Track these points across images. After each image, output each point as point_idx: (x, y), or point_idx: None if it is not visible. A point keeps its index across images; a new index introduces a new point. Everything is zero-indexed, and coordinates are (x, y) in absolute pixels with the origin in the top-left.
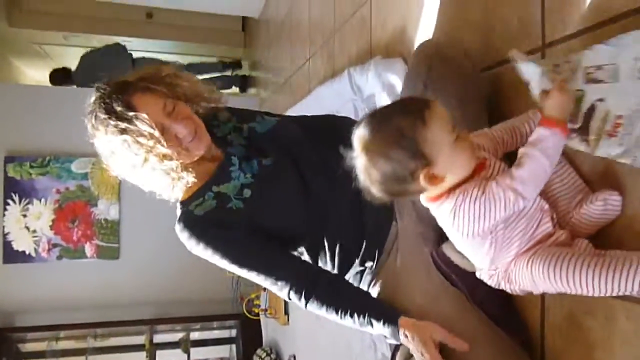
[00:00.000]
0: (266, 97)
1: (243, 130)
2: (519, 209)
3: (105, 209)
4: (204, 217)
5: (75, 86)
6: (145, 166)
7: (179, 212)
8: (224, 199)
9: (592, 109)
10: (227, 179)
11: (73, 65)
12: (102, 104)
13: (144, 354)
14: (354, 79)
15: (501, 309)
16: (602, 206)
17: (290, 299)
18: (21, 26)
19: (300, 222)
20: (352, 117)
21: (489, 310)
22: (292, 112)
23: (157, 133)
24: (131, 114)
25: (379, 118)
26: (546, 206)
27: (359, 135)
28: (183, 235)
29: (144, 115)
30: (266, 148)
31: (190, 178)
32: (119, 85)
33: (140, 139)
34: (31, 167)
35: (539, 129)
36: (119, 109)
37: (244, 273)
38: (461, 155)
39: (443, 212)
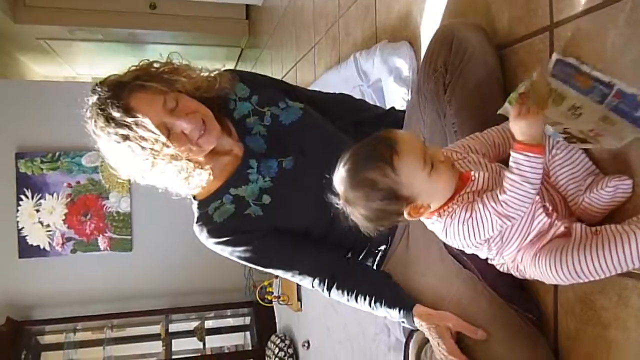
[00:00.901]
0: None
1: (265, 116)
2: (508, 225)
3: (117, 202)
4: (224, 225)
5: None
6: (154, 170)
7: (196, 211)
8: (243, 204)
9: (568, 131)
10: (245, 182)
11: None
12: (99, 111)
13: (160, 343)
14: (360, 65)
15: (513, 289)
16: (612, 191)
17: (314, 287)
18: (26, 22)
19: (320, 222)
20: None
21: (500, 290)
22: None
23: (161, 137)
24: (130, 120)
25: (351, 171)
26: (537, 197)
27: (337, 187)
28: (202, 236)
29: (145, 120)
30: (288, 145)
31: (204, 176)
32: (114, 86)
33: (144, 144)
34: (42, 162)
35: (513, 154)
36: (117, 115)
37: (266, 270)
38: (439, 182)
39: (435, 230)
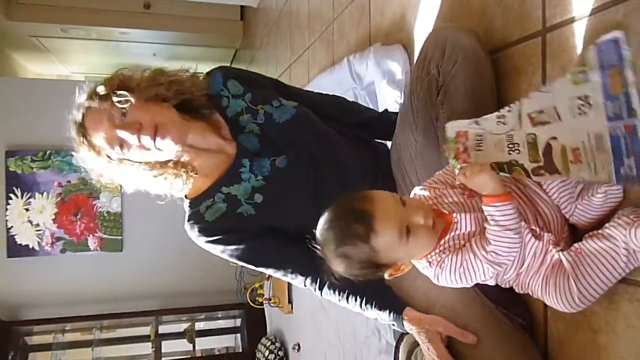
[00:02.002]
0: None
1: (258, 114)
2: (501, 270)
3: (108, 202)
4: (215, 224)
5: None
6: (130, 177)
7: (187, 210)
8: (234, 202)
9: (548, 148)
10: (237, 180)
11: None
12: (75, 132)
13: (149, 344)
14: (354, 67)
15: (504, 294)
16: (603, 197)
17: (305, 286)
18: (19, 19)
19: (312, 221)
20: None
21: (491, 295)
22: None
23: (114, 154)
24: (86, 142)
25: (330, 245)
26: (522, 223)
27: (325, 254)
28: (193, 235)
29: (98, 143)
30: (281, 144)
31: (181, 185)
32: (77, 107)
33: (107, 161)
34: (32, 160)
35: (484, 207)
36: (76, 137)
37: (257, 269)
38: (418, 245)
39: (427, 275)
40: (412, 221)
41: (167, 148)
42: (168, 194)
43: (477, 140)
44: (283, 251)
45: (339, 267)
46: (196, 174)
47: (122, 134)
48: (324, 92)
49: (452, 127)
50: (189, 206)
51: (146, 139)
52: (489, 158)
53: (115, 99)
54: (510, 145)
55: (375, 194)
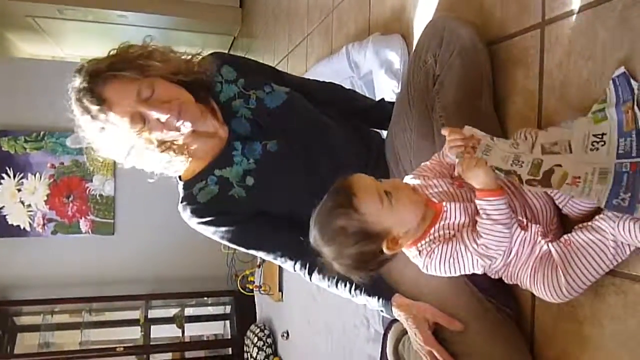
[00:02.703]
0: None
1: (250, 99)
2: (490, 263)
3: (101, 185)
4: (207, 205)
5: None
6: (131, 155)
7: (181, 192)
8: (226, 185)
9: (550, 171)
10: (229, 163)
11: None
12: (77, 101)
13: (138, 328)
14: (352, 56)
15: (492, 284)
16: None
17: (295, 271)
18: None
19: (304, 206)
20: None
21: (480, 285)
22: None
23: (133, 133)
24: (103, 116)
25: (321, 228)
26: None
27: (319, 248)
28: (185, 216)
29: (119, 119)
30: (272, 129)
31: (182, 165)
32: (90, 74)
33: (119, 134)
34: (25, 141)
35: (477, 201)
36: (92, 107)
37: (249, 252)
38: (404, 207)
39: (417, 264)
40: (392, 186)
41: (184, 128)
42: (164, 173)
43: (486, 149)
44: (274, 235)
45: (337, 254)
46: (191, 157)
47: (152, 111)
48: (320, 80)
49: (470, 130)
50: (183, 188)
51: (172, 119)
52: (491, 163)
53: (142, 65)
54: (515, 161)
55: (351, 175)
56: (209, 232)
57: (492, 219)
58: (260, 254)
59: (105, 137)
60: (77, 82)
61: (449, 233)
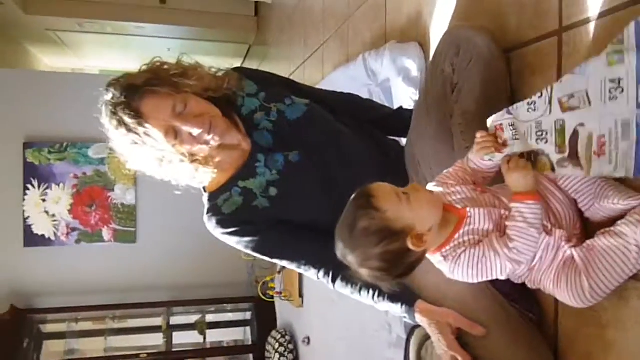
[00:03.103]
0: None
1: (271, 112)
2: (518, 269)
3: (122, 194)
4: (232, 216)
5: None
6: (161, 168)
7: (206, 203)
8: (250, 196)
9: (575, 135)
10: (252, 175)
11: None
12: (112, 114)
13: (161, 335)
14: (369, 64)
15: (515, 288)
16: (625, 207)
17: (318, 279)
18: (36, 13)
19: (325, 215)
20: None
21: (502, 289)
22: None
23: (168, 145)
24: (141, 129)
25: (346, 235)
26: None
27: (346, 257)
28: (211, 227)
29: (154, 131)
30: (294, 140)
31: (209, 173)
32: (126, 90)
33: (153, 148)
34: (49, 152)
35: (514, 204)
36: (129, 120)
37: (272, 261)
38: (423, 204)
39: (443, 270)
40: (409, 188)
41: (213, 142)
42: (190, 185)
43: (512, 130)
44: (297, 243)
45: (364, 258)
46: (217, 168)
47: (186, 126)
48: (338, 89)
49: (491, 121)
50: (208, 199)
51: (203, 133)
52: (524, 146)
53: (177, 83)
54: (539, 134)
55: (368, 185)
56: (234, 242)
57: (528, 222)
58: (284, 263)
59: (138, 150)
60: (111, 95)
61: (474, 238)
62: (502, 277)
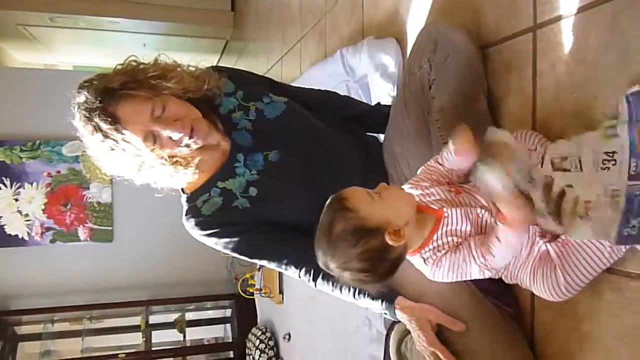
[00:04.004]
0: None
1: (250, 111)
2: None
3: (98, 192)
4: (212, 217)
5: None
6: (139, 172)
7: (185, 205)
8: (230, 196)
9: (562, 194)
10: (232, 175)
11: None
12: (86, 119)
13: (140, 334)
14: (347, 60)
15: (494, 284)
16: None
17: (300, 278)
18: (5, 7)
19: (306, 213)
20: None
21: (481, 284)
22: None
23: (147, 150)
24: (119, 135)
25: (324, 241)
26: None
27: (327, 265)
28: (193, 231)
29: (132, 137)
30: (273, 139)
31: (188, 174)
32: (101, 93)
33: (131, 153)
34: (21, 150)
35: (502, 227)
36: (104, 126)
37: (253, 261)
38: (394, 198)
39: (423, 272)
40: (380, 188)
41: (194, 145)
42: (171, 187)
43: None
44: (278, 243)
45: (345, 261)
46: (197, 169)
47: (166, 130)
48: (316, 86)
49: (494, 132)
50: (187, 201)
51: (183, 137)
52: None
53: (155, 85)
54: (529, 179)
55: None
56: (213, 243)
57: (511, 246)
58: (264, 263)
59: (116, 156)
60: (85, 98)
61: (454, 240)
62: (483, 277)
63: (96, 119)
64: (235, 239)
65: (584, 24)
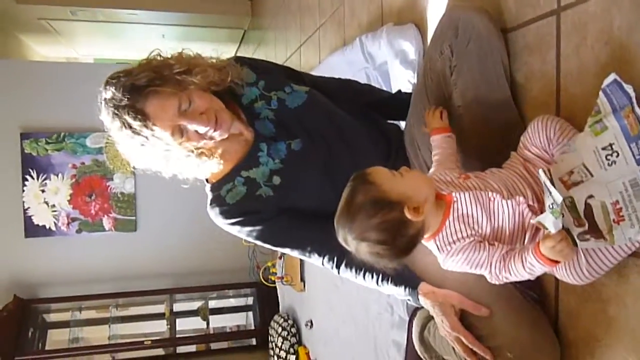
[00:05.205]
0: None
1: (272, 100)
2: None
3: (121, 183)
4: (236, 206)
5: None
6: (167, 166)
7: (209, 194)
8: (253, 185)
9: (588, 208)
10: (255, 164)
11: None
12: (115, 115)
13: (164, 322)
14: (366, 47)
15: None
16: None
17: (323, 265)
18: (28, 2)
19: (329, 201)
20: None
21: None
22: None
23: (174, 144)
24: (148, 132)
25: (344, 213)
26: (521, 199)
27: (345, 237)
28: (216, 218)
29: (162, 133)
30: (295, 128)
31: (213, 165)
32: (129, 90)
33: (159, 147)
34: (47, 143)
35: (532, 258)
36: (134, 123)
37: (277, 249)
38: (415, 178)
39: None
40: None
41: (219, 137)
42: (194, 177)
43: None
44: (301, 231)
45: (363, 230)
46: (222, 158)
47: (192, 124)
48: (336, 74)
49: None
50: (211, 190)
51: (209, 130)
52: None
53: (180, 81)
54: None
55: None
56: (236, 231)
57: (532, 275)
58: (287, 251)
59: (145, 151)
60: (112, 95)
61: (467, 232)
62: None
63: (125, 116)
64: (259, 227)
65: (608, 5)
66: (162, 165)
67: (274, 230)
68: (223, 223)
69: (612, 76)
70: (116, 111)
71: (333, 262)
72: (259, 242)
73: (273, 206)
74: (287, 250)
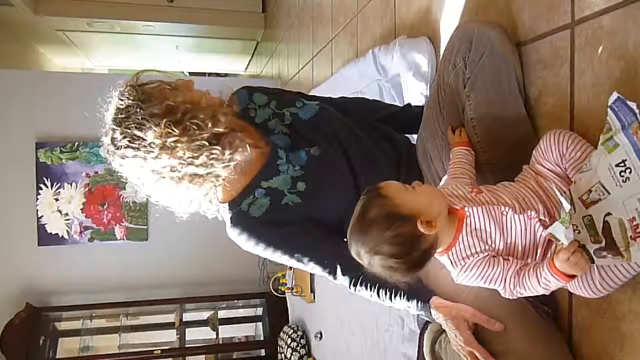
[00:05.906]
0: (288, 80)
1: (285, 116)
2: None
3: (133, 192)
4: (263, 219)
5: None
6: (178, 192)
7: (228, 213)
8: (277, 195)
9: (607, 225)
10: (275, 173)
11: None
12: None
13: (174, 331)
14: (379, 59)
15: None
16: None
17: (337, 282)
18: (45, 14)
19: (348, 209)
20: (377, 97)
21: None
22: (316, 93)
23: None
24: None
25: (357, 226)
26: (532, 213)
27: (358, 251)
28: (239, 238)
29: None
30: (312, 136)
31: (219, 191)
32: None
33: (173, 178)
34: (61, 152)
35: (548, 274)
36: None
37: (292, 263)
38: (427, 193)
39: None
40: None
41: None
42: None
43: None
44: (322, 246)
45: (376, 244)
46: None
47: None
48: (348, 86)
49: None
50: (229, 208)
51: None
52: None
53: (192, 123)
54: (573, 226)
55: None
56: (260, 250)
57: (547, 289)
58: (300, 265)
59: (153, 180)
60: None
61: (481, 246)
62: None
63: (142, 151)
64: (283, 241)
65: (623, 20)
66: (167, 196)
67: (295, 244)
68: (243, 240)
69: (615, 95)
70: (135, 152)
71: (349, 281)
72: (275, 256)
73: (302, 215)
74: (300, 265)
